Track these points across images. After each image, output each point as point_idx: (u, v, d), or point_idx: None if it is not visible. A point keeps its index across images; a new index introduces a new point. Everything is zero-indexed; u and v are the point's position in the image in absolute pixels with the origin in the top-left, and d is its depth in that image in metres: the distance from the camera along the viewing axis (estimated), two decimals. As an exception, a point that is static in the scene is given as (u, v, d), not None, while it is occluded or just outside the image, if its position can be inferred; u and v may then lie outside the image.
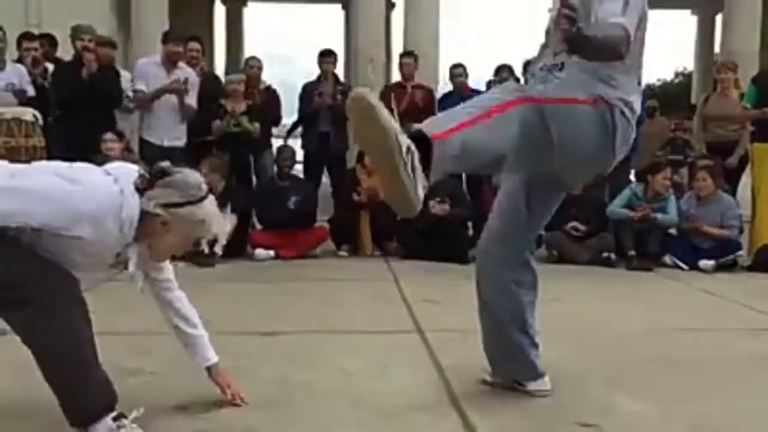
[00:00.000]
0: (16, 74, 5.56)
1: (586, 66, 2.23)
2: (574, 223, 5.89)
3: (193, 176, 2.16)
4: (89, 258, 2.12)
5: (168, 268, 2.40)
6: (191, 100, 5.85)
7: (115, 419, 2.10)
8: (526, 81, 2.63)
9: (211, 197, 2.18)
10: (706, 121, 6.60)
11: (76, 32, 5.64)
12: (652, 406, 2.53)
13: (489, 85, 7.27)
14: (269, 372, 2.85)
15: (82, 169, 2.14)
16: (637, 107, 2.36)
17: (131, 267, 2.17)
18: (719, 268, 5.54)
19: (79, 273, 2.13)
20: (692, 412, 2.50)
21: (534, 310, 2.63)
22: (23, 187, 1.98)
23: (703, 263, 5.55)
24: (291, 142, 7.06)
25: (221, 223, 2.26)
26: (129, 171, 2.12)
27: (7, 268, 1.98)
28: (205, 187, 2.17)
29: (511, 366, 2.64)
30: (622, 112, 2.28)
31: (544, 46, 2.48)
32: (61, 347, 2.03)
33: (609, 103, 2.26)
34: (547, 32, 2.47)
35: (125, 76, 6.06)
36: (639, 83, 2.38)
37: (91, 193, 2.01)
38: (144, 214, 2.06)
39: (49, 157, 5.36)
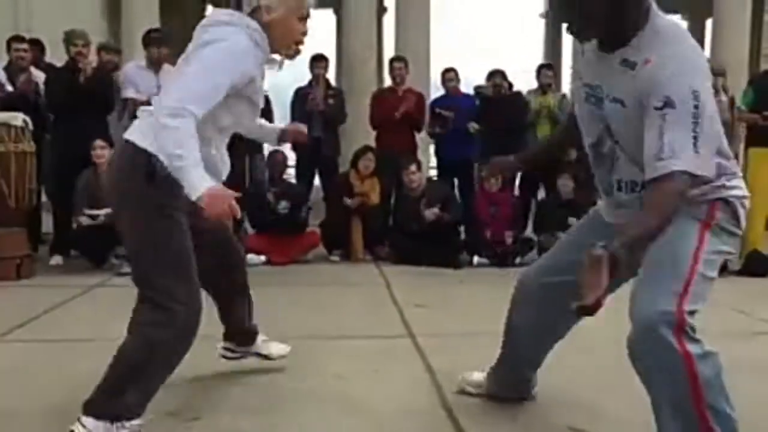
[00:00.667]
0: None
1: None
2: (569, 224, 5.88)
3: None
4: (257, 95, 2.27)
5: None
6: None
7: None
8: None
9: None
10: None
11: (70, 37, 5.61)
12: (643, 411, 2.53)
13: (477, 90, 7.29)
14: (261, 378, 2.84)
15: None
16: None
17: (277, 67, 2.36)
18: (710, 272, 5.56)
19: (257, 112, 2.36)
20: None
21: None
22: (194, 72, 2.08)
23: (694, 267, 5.57)
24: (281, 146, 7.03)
25: None
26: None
27: (164, 259, 2.14)
28: None
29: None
30: None
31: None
32: (153, 354, 2.17)
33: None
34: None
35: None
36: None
37: (224, 41, 2.11)
38: (255, 20, 2.21)
39: (39, 164, 5.36)
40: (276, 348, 2.93)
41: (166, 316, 2.15)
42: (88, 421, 2.12)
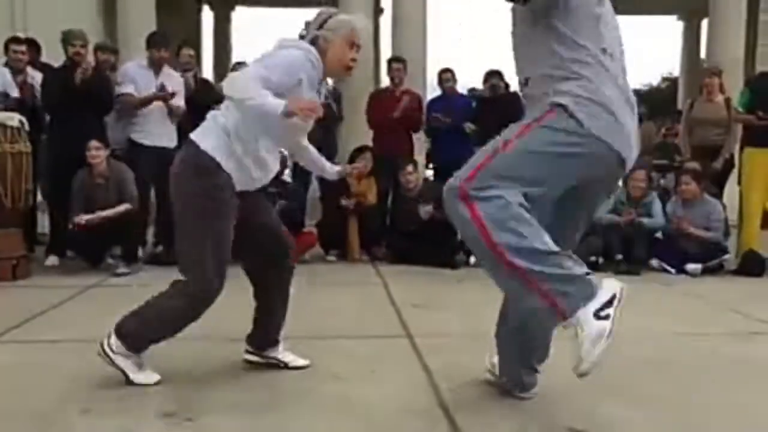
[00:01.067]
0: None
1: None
2: None
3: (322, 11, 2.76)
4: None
5: None
6: (179, 101, 5.82)
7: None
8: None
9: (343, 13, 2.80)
10: (692, 125, 6.66)
11: (68, 37, 5.60)
12: (640, 411, 2.54)
13: (471, 92, 7.28)
14: (259, 378, 2.84)
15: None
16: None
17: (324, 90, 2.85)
18: (706, 271, 5.58)
19: (306, 128, 2.84)
20: (680, 417, 2.51)
21: None
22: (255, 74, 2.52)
23: (691, 267, 5.59)
24: None
25: (361, 18, 2.82)
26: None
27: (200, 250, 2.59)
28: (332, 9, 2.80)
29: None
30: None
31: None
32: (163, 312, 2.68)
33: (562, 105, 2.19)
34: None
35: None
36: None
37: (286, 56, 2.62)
38: (315, 46, 2.67)
39: (35, 164, 5.34)
40: (293, 358, 3.02)
41: (184, 284, 2.63)
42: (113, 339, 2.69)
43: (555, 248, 2.17)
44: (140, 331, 2.68)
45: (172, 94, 5.66)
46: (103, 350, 2.69)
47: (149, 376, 2.72)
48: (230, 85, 2.52)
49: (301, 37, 2.72)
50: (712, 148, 6.48)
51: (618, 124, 2.21)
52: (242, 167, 2.64)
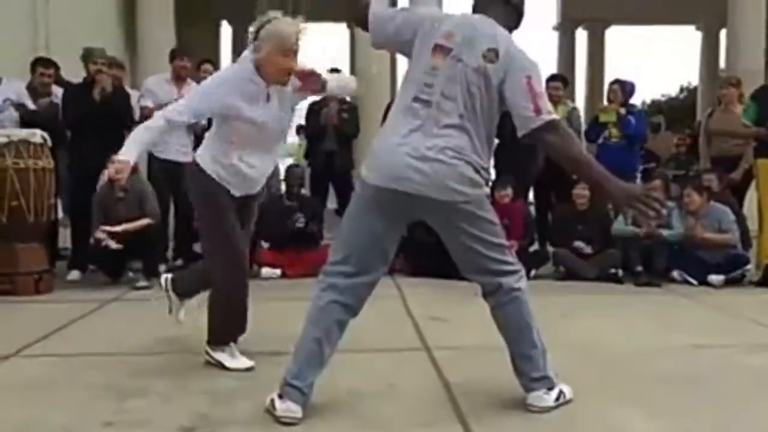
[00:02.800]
0: (15, 90, 5.63)
1: None
2: (578, 243, 5.88)
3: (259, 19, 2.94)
4: (266, 119, 2.96)
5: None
6: None
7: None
8: None
9: (279, 17, 2.92)
10: (711, 135, 6.61)
11: (90, 55, 5.69)
12: (660, 423, 2.52)
13: None
14: (274, 391, 2.84)
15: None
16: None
17: (275, 101, 2.97)
18: (728, 283, 5.52)
19: (273, 132, 3.05)
20: (699, 430, 2.48)
21: None
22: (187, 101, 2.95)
23: (713, 278, 5.53)
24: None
25: (287, 23, 2.90)
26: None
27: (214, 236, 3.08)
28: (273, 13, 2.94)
29: None
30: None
31: None
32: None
33: None
34: None
35: (134, 95, 6.11)
36: None
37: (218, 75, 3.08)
38: (252, 60, 2.90)
39: (57, 180, 5.41)
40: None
41: (213, 267, 3.13)
42: None
43: None
44: (223, 330, 3.17)
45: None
46: (206, 352, 3.18)
47: (242, 362, 3.14)
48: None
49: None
50: (731, 159, 6.42)
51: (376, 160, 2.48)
52: (230, 174, 3.01)
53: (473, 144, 2.43)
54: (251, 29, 2.93)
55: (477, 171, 2.44)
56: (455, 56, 2.43)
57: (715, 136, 6.55)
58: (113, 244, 5.21)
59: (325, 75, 3.05)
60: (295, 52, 2.90)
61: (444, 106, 2.42)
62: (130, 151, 2.77)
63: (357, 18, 2.66)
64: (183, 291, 3.47)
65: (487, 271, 2.56)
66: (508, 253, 2.61)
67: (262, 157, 3.09)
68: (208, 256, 3.19)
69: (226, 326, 3.20)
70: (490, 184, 6.65)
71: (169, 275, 3.55)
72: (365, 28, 2.61)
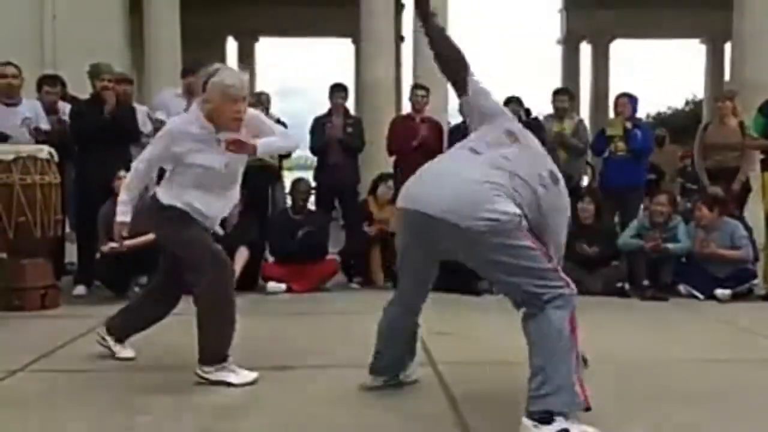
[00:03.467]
0: (33, 110, 5.66)
1: None
2: (582, 246, 5.81)
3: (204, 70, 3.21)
4: (217, 163, 3.16)
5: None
6: None
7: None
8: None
9: (223, 68, 3.19)
10: (707, 149, 6.62)
11: (96, 71, 5.73)
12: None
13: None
14: (281, 407, 2.84)
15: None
16: None
17: (223, 146, 3.13)
18: (735, 297, 5.49)
19: (226, 175, 3.24)
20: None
21: None
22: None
23: (719, 292, 5.49)
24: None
25: (231, 75, 3.14)
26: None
27: (194, 248, 3.20)
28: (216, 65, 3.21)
29: None
30: None
31: None
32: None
33: None
34: None
35: (141, 110, 6.14)
36: None
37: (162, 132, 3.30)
38: (201, 109, 3.15)
39: (63, 195, 5.44)
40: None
41: (202, 280, 3.15)
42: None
43: None
44: (217, 347, 3.14)
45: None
46: (203, 377, 3.10)
47: (246, 376, 3.13)
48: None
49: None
50: (727, 172, 6.42)
51: None
52: (191, 212, 3.19)
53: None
54: (202, 80, 3.17)
55: None
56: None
57: (711, 149, 6.55)
58: (119, 246, 5.21)
59: (254, 140, 3.19)
60: (243, 98, 3.12)
61: None
62: (125, 213, 3.31)
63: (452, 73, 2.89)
64: (120, 334, 3.57)
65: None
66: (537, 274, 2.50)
67: (218, 198, 3.28)
68: (194, 270, 3.20)
69: (221, 340, 3.16)
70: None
71: (102, 327, 3.63)
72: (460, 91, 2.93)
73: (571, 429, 2.38)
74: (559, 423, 2.38)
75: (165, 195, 3.23)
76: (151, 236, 5.34)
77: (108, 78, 5.66)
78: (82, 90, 6.13)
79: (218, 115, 3.11)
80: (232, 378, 3.11)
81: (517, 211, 2.48)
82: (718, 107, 6.70)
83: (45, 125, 5.66)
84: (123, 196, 3.31)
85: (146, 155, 3.28)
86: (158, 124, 5.82)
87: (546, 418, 2.38)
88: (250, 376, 3.13)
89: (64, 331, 4.21)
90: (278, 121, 7.00)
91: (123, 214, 3.31)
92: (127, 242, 5.25)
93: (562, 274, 2.52)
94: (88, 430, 2.57)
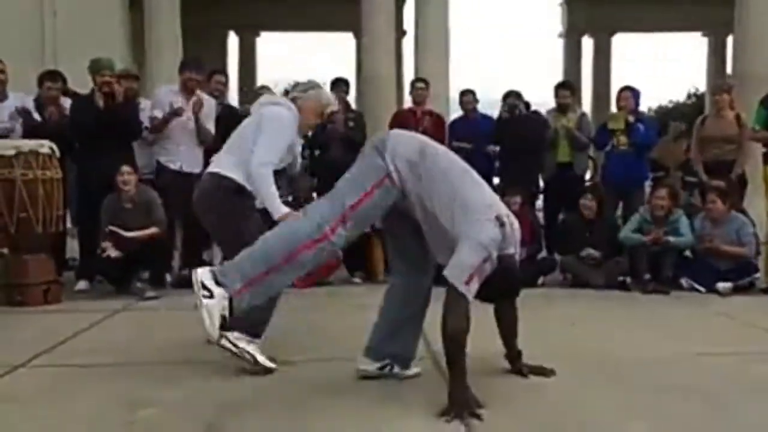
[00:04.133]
0: (20, 102, 5.67)
1: None
2: (588, 251, 5.86)
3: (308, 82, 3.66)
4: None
5: None
6: (209, 125, 5.90)
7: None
8: None
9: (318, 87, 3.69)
10: (704, 142, 6.60)
11: (97, 66, 5.72)
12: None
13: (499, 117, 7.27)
14: (286, 402, 2.84)
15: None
16: None
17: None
18: (736, 290, 5.49)
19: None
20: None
21: None
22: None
23: (721, 286, 5.50)
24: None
25: (329, 96, 3.76)
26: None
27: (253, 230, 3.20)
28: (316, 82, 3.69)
29: None
30: None
31: None
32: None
33: None
34: None
35: (146, 104, 6.12)
36: None
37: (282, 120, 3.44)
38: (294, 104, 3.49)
39: (65, 190, 5.44)
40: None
41: None
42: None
43: None
44: (256, 320, 3.17)
45: (177, 112, 5.71)
46: (229, 343, 3.08)
47: (267, 361, 3.18)
48: (257, 179, 3.28)
49: (286, 92, 3.77)
50: (724, 165, 6.41)
51: None
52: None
53: None
54: (299, 86, 3.62)
55: None
56: None
57: (708, 142, 6.54)
58: (113, 253, 5.24)
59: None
60: (321, 117, 3.69)
61: None
62: (281, 205, 3.25)
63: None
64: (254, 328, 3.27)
65: None
66: None
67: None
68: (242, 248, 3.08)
69: (263, 317, 3.22)
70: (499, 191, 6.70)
71: (231, 333, 3.14)
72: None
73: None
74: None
75: (236, 173, 3.33)
76: (151, 230, 5.38)
77: (108, 73, 5.65)
78: (83, 86, 6.12)
79: (302, 121, 3.51)
80: (258, 355, 3.14)
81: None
82: (715, 100, 6.68)
83: (35, 115, 5.67)
84: (270, 190, 3.25)
85: (280, 145, 3.37)
86: (155, 122, 5.82)
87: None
88: (270, 363, 3.16)
89: (66, 326, 4.22)
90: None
91: (282, 207, 3.24)
92: (129, 234, 5.32)
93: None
94: (90, 425, 2.58)
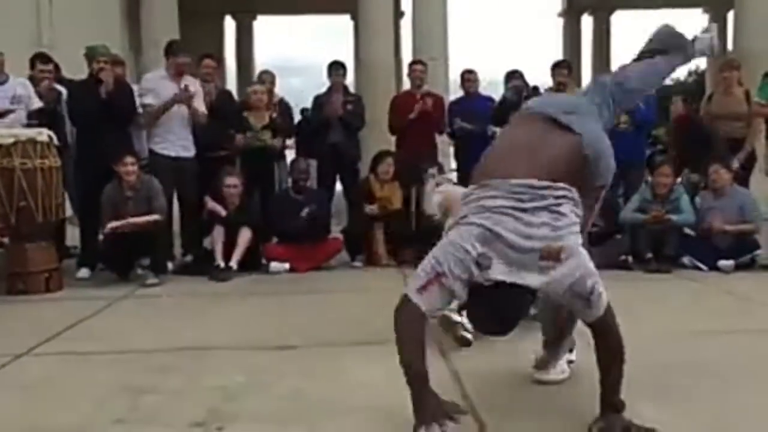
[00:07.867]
0: (22, 86, 5.66)
1: None
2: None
3: None
4: None
5: None
6: (200, 105, 5.87)
7: None
8: None
9: None
10: (711, 119, 6.55)
11: (93, 53, 5.70)
12: (672, 411, 2.51)
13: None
14: (286, 386, 2.85)
15: None
16: None
17: None
18: (738, 268, 5.48)
19: None
20: (712, 417, 2.47)
21: None
22: None
23: (723, 263, 5.49)
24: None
25: None
26: None
27: None
28: None
29: None
30: None
31: None
32: None
33: None
34: None
35: (135, 89, 6.10)
36: None
37: None
38: None
39: (65, 178, 5.43)
40: None
41: None
42: None
43: None
44: None
45: (190, 96, 5.69)
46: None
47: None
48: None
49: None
50: (732, 142, 6.36)
51: None
52: None
53: None
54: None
55: None
56: None
57: (716, 119, 6.48)
58: (115, 223, 5.25)
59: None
60: None
61: None
62: None
63: None
64: None
65: None
66: None
67: None
68: None
69: None
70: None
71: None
72: None
73: None
74: None
75: None
76: (153, 217, 5.38)
77: (104, 60, 5.62)
78: (79, 73, 6.08)
79: None
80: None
81: None
82: (723, 77, 6.60)
83: (35, 104, 5.66)
84: None
85: None
86: (149, 109, 5.79)
87: None
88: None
89: (68, 314, 4.22)
90: (281, 101, 6.99)
91: None
92: (131, 220, 5.31)
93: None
94: (93, 412, 2.59)
